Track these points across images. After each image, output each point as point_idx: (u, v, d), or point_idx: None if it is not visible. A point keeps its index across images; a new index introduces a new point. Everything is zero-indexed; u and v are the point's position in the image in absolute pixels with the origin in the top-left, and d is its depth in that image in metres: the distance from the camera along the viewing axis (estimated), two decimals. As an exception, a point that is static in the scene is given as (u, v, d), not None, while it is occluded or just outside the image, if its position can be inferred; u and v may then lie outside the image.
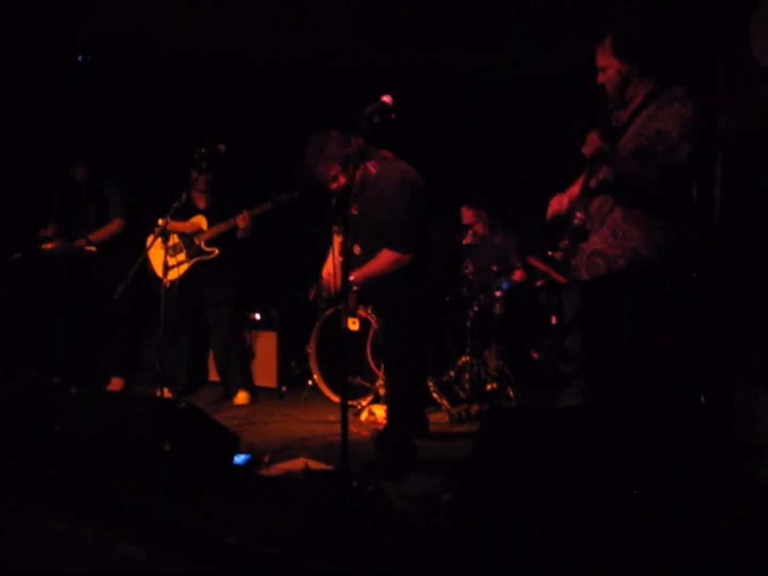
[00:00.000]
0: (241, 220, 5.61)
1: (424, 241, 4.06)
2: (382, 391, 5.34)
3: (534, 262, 6.20)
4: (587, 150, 3.32)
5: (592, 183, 3.44)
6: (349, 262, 3.53)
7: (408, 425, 4.11)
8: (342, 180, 3.94)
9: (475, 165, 7.19)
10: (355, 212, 3.99)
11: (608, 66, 3.39)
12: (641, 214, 3.31)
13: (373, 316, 5.48)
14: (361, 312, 5.62)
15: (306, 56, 6.77)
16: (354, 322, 5.77)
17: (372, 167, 3.98)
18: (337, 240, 4.35)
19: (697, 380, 4.13)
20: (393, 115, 3.42)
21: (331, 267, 4.38)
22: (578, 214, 3.45)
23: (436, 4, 5.66)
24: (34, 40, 6.23)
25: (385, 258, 3.99)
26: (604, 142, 3.28)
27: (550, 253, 5.73)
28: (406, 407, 4.11)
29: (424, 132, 6.68)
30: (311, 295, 4.30)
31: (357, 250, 4.10)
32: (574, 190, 3.54)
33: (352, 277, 3.97)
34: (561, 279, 5.99)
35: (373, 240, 4.01)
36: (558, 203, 3.56)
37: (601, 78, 3.44)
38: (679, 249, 3.35)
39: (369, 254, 4.04)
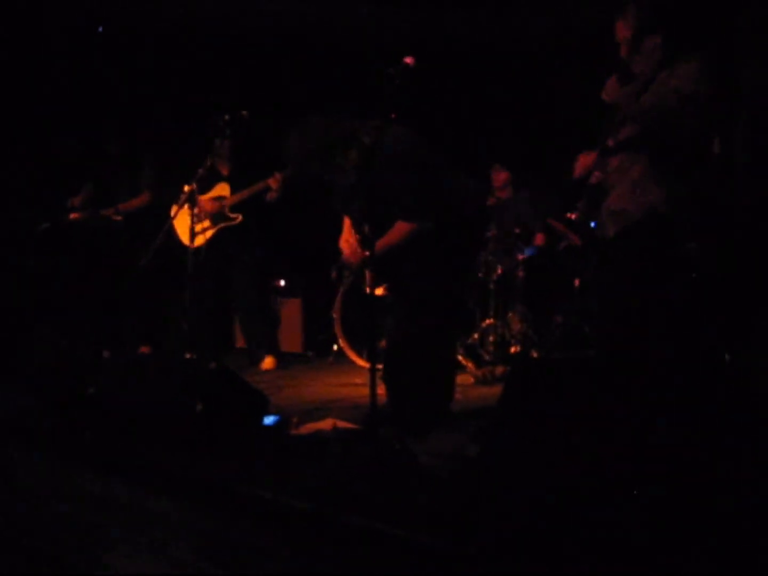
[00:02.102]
0: (274, 182, 5.65)
1: (443, 209, 3.88)
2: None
3: (553, 223, 6.19)
4: (607, 96, 3.33)
5: (610, 142, 3.45)
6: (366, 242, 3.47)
7: (438, 386, 4.09)
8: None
9: (497, 130, 7.17)
10: (359, 191, 3.82)
11: (635, 36, 3.35)
12: (659, 170, 3.31)
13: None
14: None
15: (327, 23, 6.76)
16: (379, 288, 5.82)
17: (367, 140, 3.66)
18: (347, 220, 4.26)
19: (722, 338, 4.13)
20: (419, 82, 3.38)
21: (348, 237, 4.23)
22: (596, 173, 3.46)
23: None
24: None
25: (399, 229, 3.82)
26: (622, 88, 3.28)
27: (568, 214, 5.73)
28: (436, 370, 4.05)
29: (446, 98, 6.67)
30: (333, 275, 4.22)
31: (366, 230, 3.81)
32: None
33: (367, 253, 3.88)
34: (576, 241, 5.99)
35: (383, 215, 3.78)
36: (584, 162, 3.57)
37: (625, 51, 3.42)
38: (699, 205, 3.36)
39: (381, 232, 3.81)
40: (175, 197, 5.61)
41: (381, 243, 3.77)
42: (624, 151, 3.41)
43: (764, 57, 4.75)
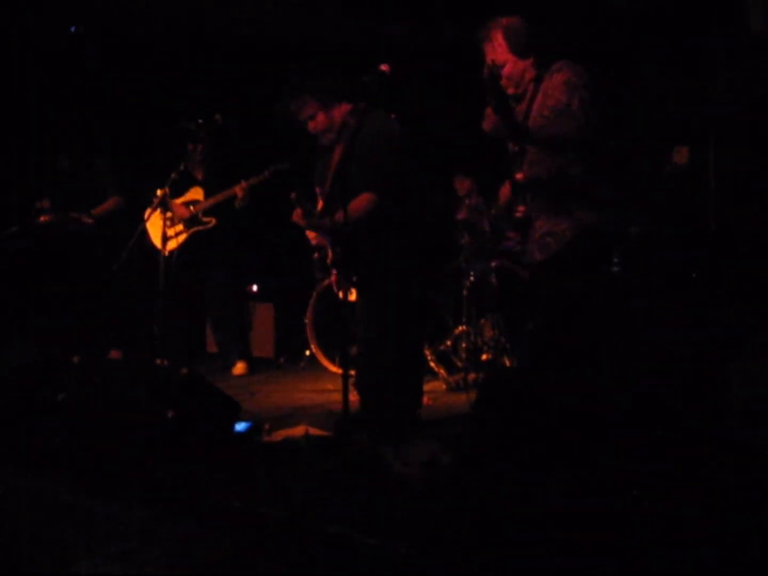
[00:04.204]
0: (239, 190, 5.65)
1: (408, 195, 3.96)
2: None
3: (504, 262, 6.17)
4: (486, 126, 3.38)
5: (519, 176, 3.51)
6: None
7: (406, 392, 4.10)
8: (319, 119, 3.95)
9: (465, 138, 7.16)
10: (333, 160, 3.89)
11: (506, 60, 3.43)
12: (572, 192, 3.42)
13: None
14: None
15: (297, 30, 6.75)
16: (351, 292, 5.80)
17: (353, 116, 3.84)
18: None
19: (688, 347, 4.18)
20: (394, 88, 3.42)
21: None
22: (519, 208, 3.53)
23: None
24: (21, 17, 6.21)
25: (362, 198, 3.84)
26: (499, 117, 3.29)
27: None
28: (403, 374, 4.09)
29: (412, 105, 6.66)
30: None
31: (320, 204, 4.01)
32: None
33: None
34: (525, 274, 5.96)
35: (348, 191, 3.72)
36: (506, 191, 3.65)
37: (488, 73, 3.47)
38: (625, 215, 3.47)
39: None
40: (148, 200, 5.59)
41: (341, 213, 3.66)
42: (532, 187, 3.49)
43: (729, 77, 4.83)
